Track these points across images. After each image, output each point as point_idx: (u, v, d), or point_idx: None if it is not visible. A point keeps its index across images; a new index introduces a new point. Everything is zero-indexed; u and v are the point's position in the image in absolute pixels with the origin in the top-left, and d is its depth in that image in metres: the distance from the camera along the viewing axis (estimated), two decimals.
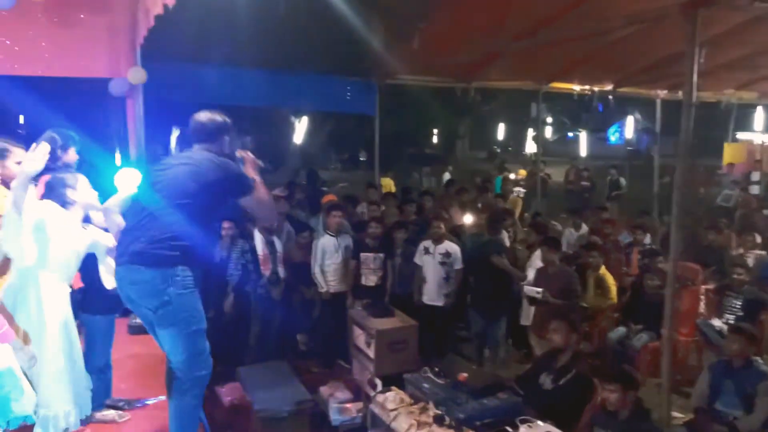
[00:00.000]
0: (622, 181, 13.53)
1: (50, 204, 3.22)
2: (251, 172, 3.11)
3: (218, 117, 3.14)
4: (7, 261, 3.14)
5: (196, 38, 5.86)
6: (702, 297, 6.20)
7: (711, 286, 6.39)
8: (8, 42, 4.79)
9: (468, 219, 6.70)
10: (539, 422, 3.35)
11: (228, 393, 4.80)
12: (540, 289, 5.39)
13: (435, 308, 5.97)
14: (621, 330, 6.05)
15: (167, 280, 2.79)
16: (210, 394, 4.76)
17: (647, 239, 7.74)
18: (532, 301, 5.64)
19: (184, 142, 3.53)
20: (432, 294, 5.97)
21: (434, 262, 5.95)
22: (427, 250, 6.00)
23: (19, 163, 3.33)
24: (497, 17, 5.96)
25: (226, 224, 5.86)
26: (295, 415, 4.55)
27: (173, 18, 3.76)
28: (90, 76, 5.37)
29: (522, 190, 11.78)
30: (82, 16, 5.06)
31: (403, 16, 6.21)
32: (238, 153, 3.18)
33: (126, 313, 5.09)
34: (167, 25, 4.17)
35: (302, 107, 9.14)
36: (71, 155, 3.83)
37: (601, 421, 3.61)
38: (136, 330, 4.96)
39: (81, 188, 3.34)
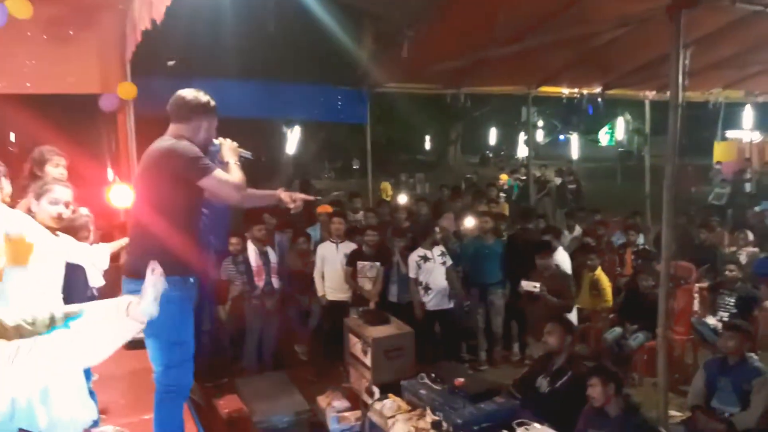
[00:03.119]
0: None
1: (20, 214, 3.19)
2: (228, 155, 2.91)
3: (202, 96, 2.89)
4: None
5: (186, 52, 5.91)
6: (696, 295, 6.24)
7: (704, 285, 6.43)
8: (3, 61, 4.81)
9: (470, 222, 6.72)
10: (536, 425, 3.37)
11: (226, 405, 4.78)
12: (537, 284, 5.39)
13: (443, 312, 5.95)
14: (617, 330, 6.07)
15: None
16: (208, 406, 4.77)
17: (640, 239, 7.78)
18: (528, 299, 5.66)
19: None
20: (438, 299, 5.93)
21: (436, 266, 5.91)
22: (425, 258, 5.96)
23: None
24: (485, 24, 6.00)
25: (233, 240, 5.94)
26: (293, 426, 4.55)
27: (162, 33, 3.78)
28: (80, 93, 5.39)
29: (504, 195, 11.87)
30: (71, 33, 5.10)
31: (391, 25, 6.26)
32: (216, 140, 2.96)
33: None
34: (157, 40, 4.20)
35: (293, 117, 9.15)
36: (50, 171, 3.82)
37: (593, 422, 3.63)
38: (132, 345, 4.95)
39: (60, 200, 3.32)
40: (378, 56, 6.84)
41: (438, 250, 5.97)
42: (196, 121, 2.87)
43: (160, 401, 2.91)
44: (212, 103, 2.92)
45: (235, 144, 2.96)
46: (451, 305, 5.98)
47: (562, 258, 6.09)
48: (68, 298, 3.40)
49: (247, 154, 3.00)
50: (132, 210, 2.91)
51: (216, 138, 2.98)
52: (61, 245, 3.31)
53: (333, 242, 6.22)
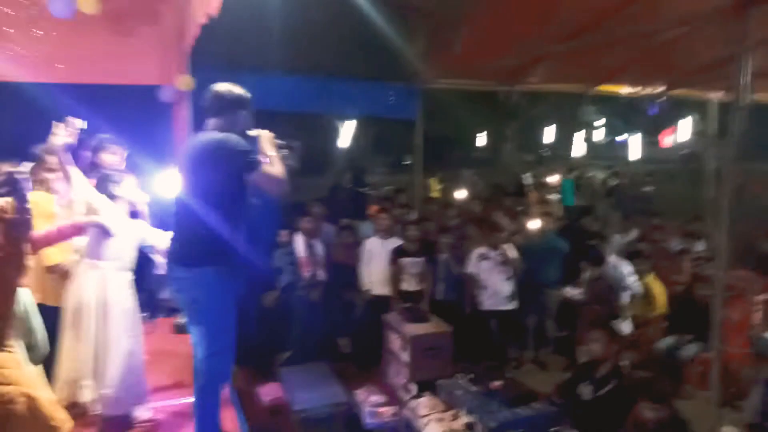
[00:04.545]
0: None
1: (102, 197, 3.38)
2: (267, 148, 2.94)
3: (236, 89, 2.98)
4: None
5: (243, 46, 6.02)
6: (757, 307, 5.92)
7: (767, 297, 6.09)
8: (68, 52, 5.03)
9: (535, 222, 6.60)
10: None
11: (268, 393, 4.89)
12: (578, 290, 5.28)
13: (499, 313, 5.88)
14: (669, 340, 5.85)
15: (199, 280, 2.83)
16: (250, 393, 4.89)
17: (699, 246, 7.44)
18: (570, 305, 5.54)
19: None
20: (494, 299, 5.86)
21: (494, 266, 5.84)
22: (483, 256, 5.90)
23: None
24: (541, 20, 5.86)
25: (283, 231, 6.09)
26: (332, 417, 4.60)
27: (221, 27, 3.87)
28: (141, 84, 5.58)
29: (557, 196, 11.54)
30: (132, 25, 5.27)
31: (445, 20, 6.20)
32: (251, 132, 3.00)
33: (171, 312, 5.33)
34: (215, 34, 4.30)
35: (345, 113, 9.18)
36: (106, 159, 4.00)
37: None
38: (182, 329, 5.13)
39: (126, 186, 3.50)
40: (430, 52, 6.79)
41: (501, 250, 5.85)
42: (232, 114, 2.96)
43: (201, 388, 2.99)
44: (246, 95, 3.00)
45: (271, 134, 3.01)
46: (510, 307, 5.87)
47: (624, 266, 5.89)
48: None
49: (282, 143, 3.03)
50: (178, 200, 3.00)
51: (251, 129, 3.02)
52: (138, 228, 3.51)
53: (380, 238, 6.23)
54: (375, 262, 6.16)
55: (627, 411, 3.72)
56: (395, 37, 5.90)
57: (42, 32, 4.57)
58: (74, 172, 3.27)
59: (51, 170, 3.56)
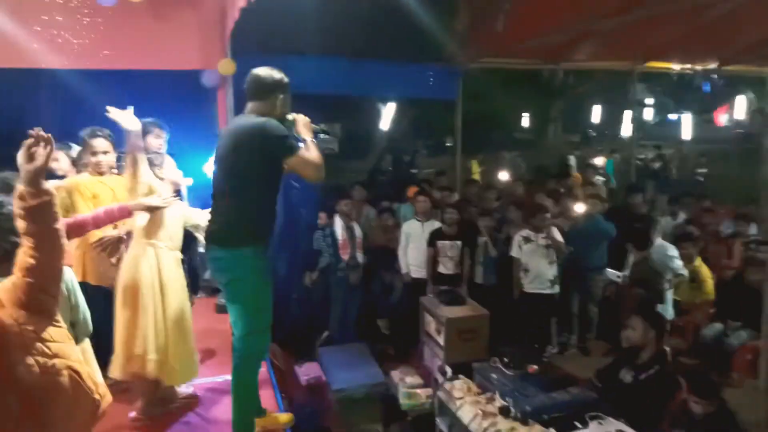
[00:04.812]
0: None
1: (155, 179, 3.48)
2: (304, 133, 2.98)
3: (276, 74, 2.98)
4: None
5: (283, 30, 6.05)
6: None
7: None
8: (112, 38, 5.17)
9: (580, 206, 6.45)
10: (611, 419, 3.23)
11: (306, 372, 4.99)
12: (621, 273, 5.15)
13: (541, 296, 5.77)
14: (717, 326, 5.66)
15: (237, 260, 2.88)
16: (289, 371, 5.00)
17: (752, 229, 7.14)
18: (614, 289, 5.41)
19: None
20: (536, 283, 5.76)
21: (537, 248, 5.72)
22: (527, 239, 5.79)
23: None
24: None
25: (321, 214, 6.14)
26: (368, 397, 4.67)
27: (262, 10, 3.89)
28: (184, 69, 5.68)
29: (602, 178, 11.21)
30: (176, 11, 5.36)
31: None
32: (289, 116, 3.03)
33: (214, 292, 5.46)
34: (256, 17, 4.33)
35: (385, 95, 9.12)
36: (149, 142, 4.09)
37: (680, 422, 3.42)
38: (223, 309, 5.26)
39: (168, 168, 3.59)
40: (471, 31, 6.66)
41: (544, 233, 5.71)
42: (272, 99, 2.97)
43: (238, 366, 3.05)
44: (285, 79, 3.00)
45: (307, 119, 3.03)
46: (553, 291, 5.77)
47: (670, 249, 5.69)
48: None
49: (318, 128, 3.05)
50: (216, 182, 3.05)
51: (290, 114, 3.03)
52: (181, 208, 3.61)
53: (419, 220, 6.23)
54: (414, 245, 6.16)
55: (668, 398, 3.63)
56: (436, 16, 5.81)
57: (87, 20, 4.70)
58: (141, 157, 3.35)
59: (95, 153, 3.66)
